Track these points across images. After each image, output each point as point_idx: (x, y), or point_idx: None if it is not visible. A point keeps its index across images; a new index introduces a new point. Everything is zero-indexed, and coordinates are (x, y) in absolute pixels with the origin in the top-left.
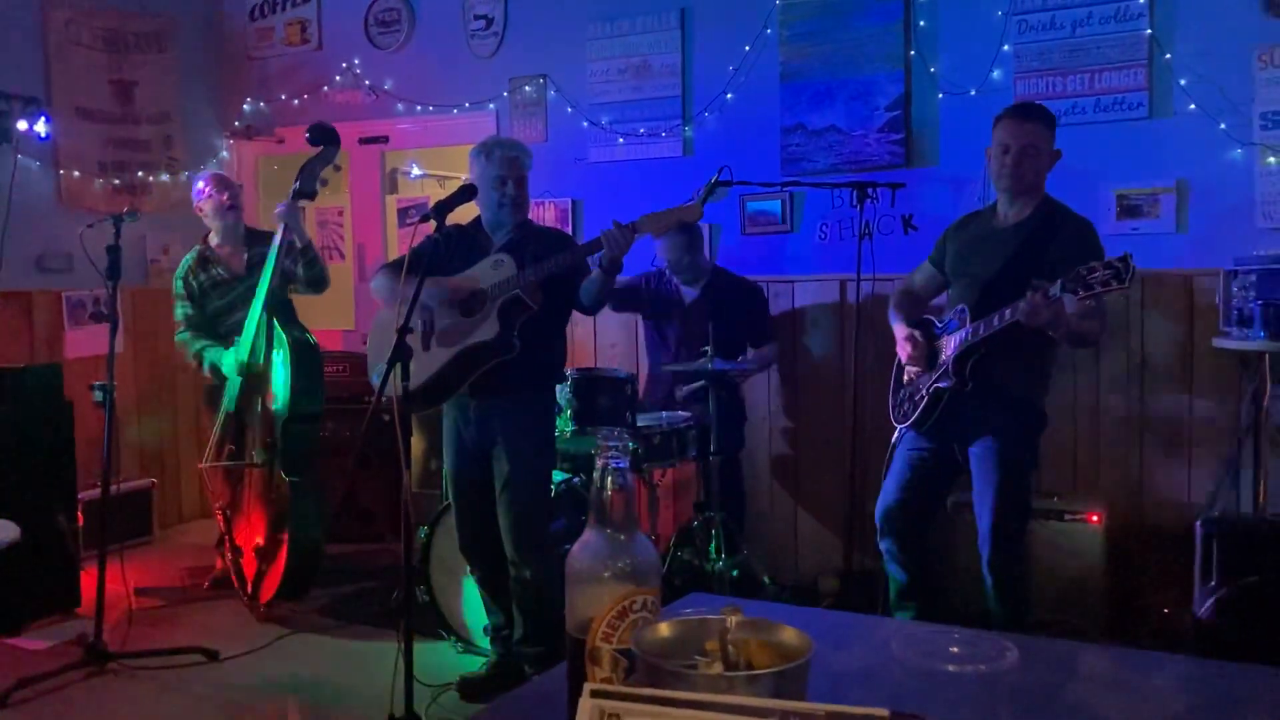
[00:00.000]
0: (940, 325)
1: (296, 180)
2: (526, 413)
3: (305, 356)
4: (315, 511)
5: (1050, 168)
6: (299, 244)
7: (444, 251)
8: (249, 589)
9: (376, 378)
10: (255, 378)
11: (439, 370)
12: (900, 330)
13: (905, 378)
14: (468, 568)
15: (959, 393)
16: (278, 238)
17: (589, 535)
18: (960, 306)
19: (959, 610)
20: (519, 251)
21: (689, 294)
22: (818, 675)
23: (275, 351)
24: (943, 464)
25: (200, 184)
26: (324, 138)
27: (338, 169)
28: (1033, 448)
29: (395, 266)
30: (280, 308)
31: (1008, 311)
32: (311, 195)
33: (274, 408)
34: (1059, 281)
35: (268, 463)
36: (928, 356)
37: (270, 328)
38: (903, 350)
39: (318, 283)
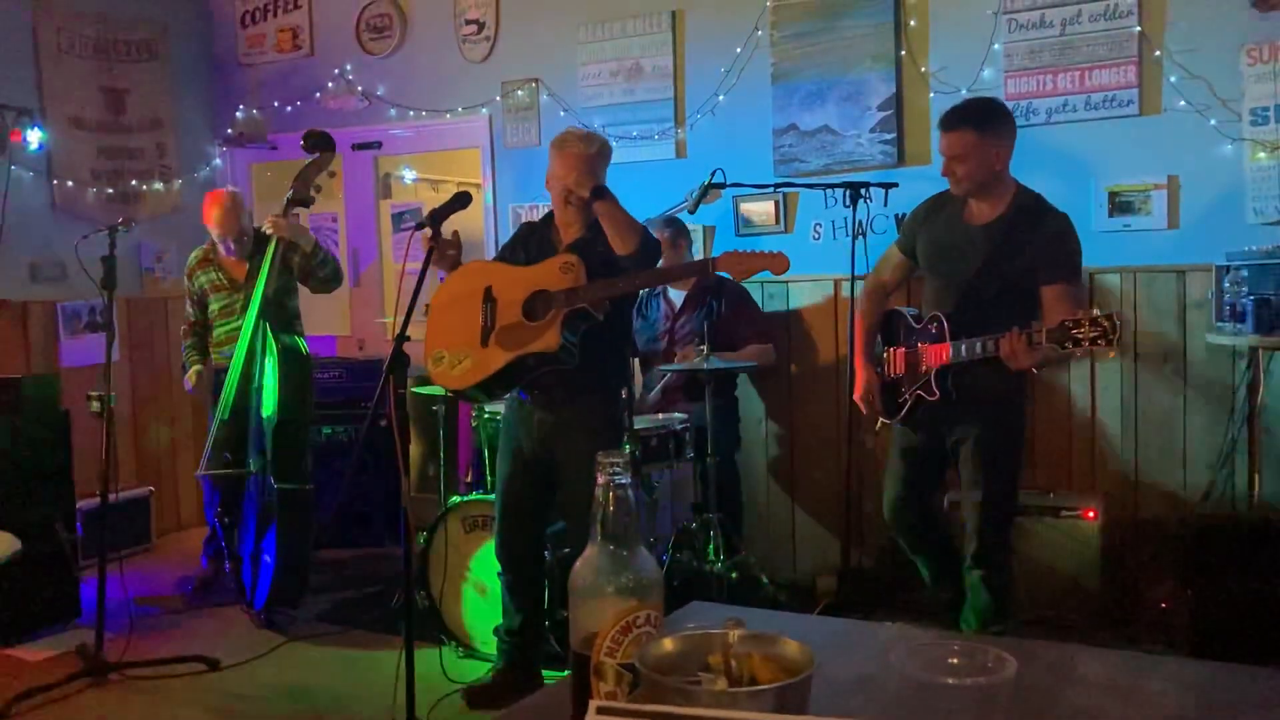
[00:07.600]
0: (915, 323)
1: (291, 188)
2: (591, 424)
3: (293, 364)
4: (304, 520)
5: (1001, 160)
6: (306, 248)
7: (515, 246)
8: (248, 596)
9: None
10: (248, 385)
11: (495, 372)
12: (860, 378)
13: (888, 374)
14: (468, 573)
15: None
16: (273, 248)
17: (591, 551)
18: (937, 316)
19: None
20: (589, 253)
21: (676, 295)
22: (818, 685)
23: (267, 359)
24: (933, 453)
25: (216, 201)
26: (320, 144)
27: (332, 175)
28: (1017, 446)
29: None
30: (275, 315)
31: (991, 344)
32: (307, 203)
33: (264, 414)
34: (1044, 330)
35: (261, 470)
36: (890, 402)
37: (263, 335)
38: (861, 405)
39: (335, 278)
